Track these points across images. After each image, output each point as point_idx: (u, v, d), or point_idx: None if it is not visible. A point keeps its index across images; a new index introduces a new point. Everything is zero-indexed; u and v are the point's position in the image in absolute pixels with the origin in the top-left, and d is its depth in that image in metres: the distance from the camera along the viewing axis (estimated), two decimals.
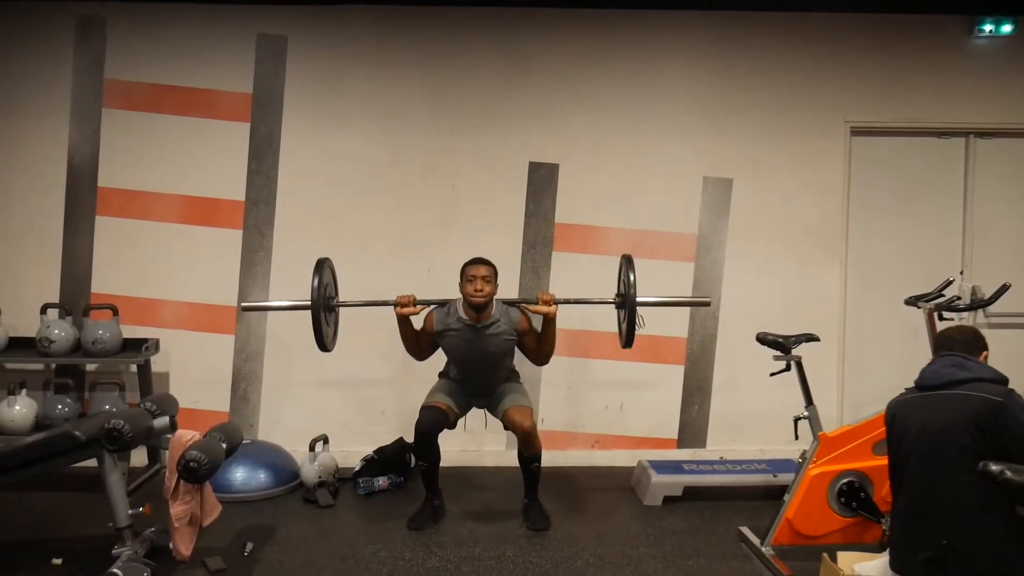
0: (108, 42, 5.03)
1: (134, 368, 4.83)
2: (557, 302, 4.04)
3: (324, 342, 3.99)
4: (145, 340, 4.83)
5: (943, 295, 3.90)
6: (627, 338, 4.09)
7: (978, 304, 4.11)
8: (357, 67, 5.08)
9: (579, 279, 5.13)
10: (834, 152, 5.20)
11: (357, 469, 4.74)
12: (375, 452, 4.83)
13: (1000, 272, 4.93)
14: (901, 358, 4.99)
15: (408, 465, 4.86)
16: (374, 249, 5.10)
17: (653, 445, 5.20)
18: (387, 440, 4.95)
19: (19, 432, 4.53)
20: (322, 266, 3.97)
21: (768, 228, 5.21)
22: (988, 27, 5.11)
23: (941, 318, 3.81)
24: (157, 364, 4.95)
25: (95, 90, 5.04)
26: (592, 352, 5.17)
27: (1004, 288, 3.82)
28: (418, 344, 4.16)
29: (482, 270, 4.02)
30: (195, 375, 5.09)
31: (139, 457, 4.84)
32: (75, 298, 5.01)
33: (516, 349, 4.23)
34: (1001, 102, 5.21)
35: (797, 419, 3.71)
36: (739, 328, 5.05)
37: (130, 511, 3.46)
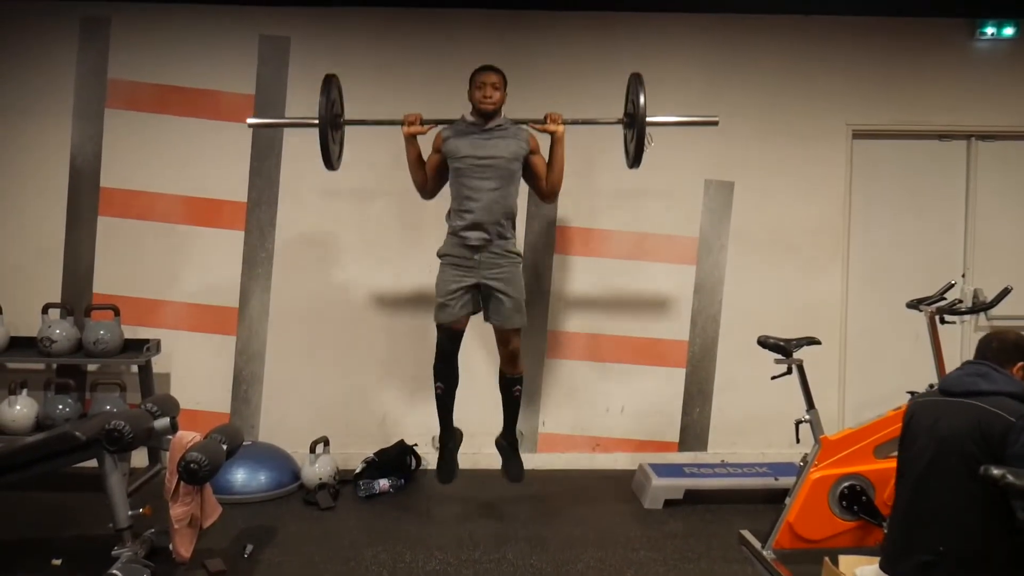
0: (111, 42, 5.03)
1: (135, 369, 4.83)
2: (565, 122, 4.04)
3: (331, 159, 4.05)
4: (146, 341, 4.83)
5: (945, 298, 3.89)
6: (634, 158, 4.09)
7: (980, 307, 4.10)
8: (359, 69, 5.07)
9: (580, 282, 5.13)
10: (836, 155, 5.20)
11: (358, 471, 4.74)
12: (376, 454, 4.83)
13: (1002, 275, 4.91)
14: (903, 361, 4.99)
15: (409, 467, 4.86)
16: (376, 248, 5.10)
17: (654, 448, 5.19)
18: (388, 442, 4.94)
19: (20, 432, 4.53)
20: (329, 83, 3.99)
21: (769, 231, 5.20)
22: (990, 30, 5.11)
23: (943, 321, 3.81)
24: (158, 365, 4.95)
25: (98, 90, 5.04)
26: (594, 355, 5.17)
27: (1006, 291, 3.81)
28: (425, 169, 4.10)
29: (492, 77, 3.97)
30: (196, 376, 5.09)
31: (140, 458, 4.84)
32: (77, 298, 5.01)
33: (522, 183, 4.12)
34: (1003, 105, 5.21)
35: (798, 422, 3.70)
36: (740, 331, 5.04)
37: (130, 512, 3.46)
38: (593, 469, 5.14)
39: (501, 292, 3.99)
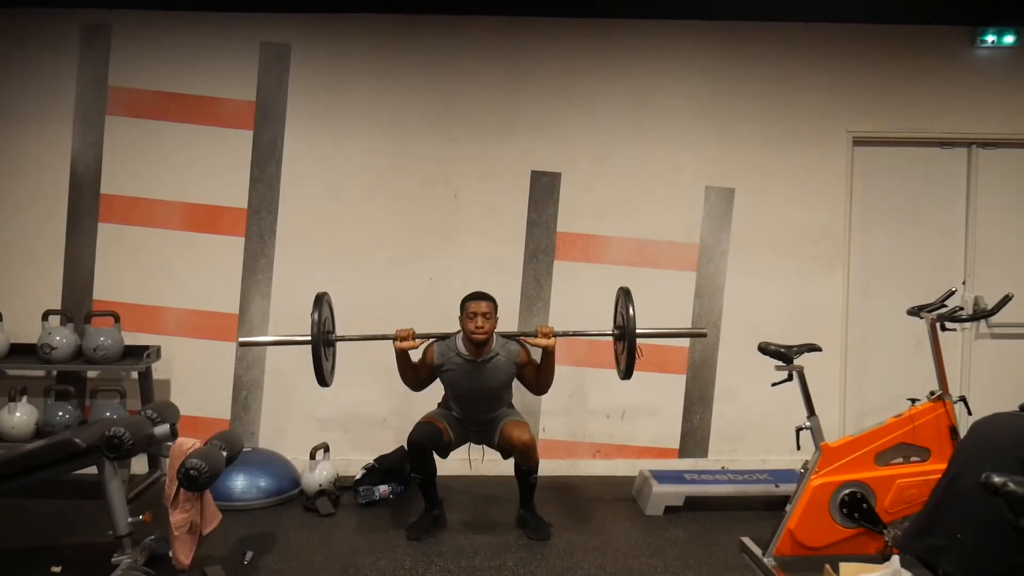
0: (112, 49, 5.04)
1: (135, 375, 4.82)
2: (556, 335, 4.06)
3: (324, 377, 4.01)
4: (146, 347, 4.83)
5: (945, 305, 3.88)
6: (626, 370, 4.14)
7: (981, 315, 4.09)
8: (360, 76, 5.09)
9: (580, 288, 5.13)
10: (836, 162, 5.20)
11: (358, 477, 4.73)
12: (376, 460, 4.82)
13: (1003, 282, 4.93)
14: (904, 368, 4.99)
15: (409, 474, 4.83)
16: (376, 257, 5.10)
17: (655, 455, 5.19)
18: (388, 449, 4.94)
19: (20, 439, 4.53)
20: (320, 301, 3.99)
21: (770, 238, 5.21)
22: (990, 38, 5.12)
23: (944, 328, 3.80)
24: (158, 371, 4.95)
25: (99, 97, 5.05)
26: (594, 361, 5.16)
27: (1007, 299, 3.80)
28: (416, 377, 4.17)
29: (483, 306, 4.04)
30: (196, 382, 5.09)
31: (140, 464, 4.83)
32: (77, 305, 5.01)
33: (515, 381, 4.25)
34: (1003, 112, 5.22)
35: (799, 429, 3.69)
36: (741, 338, 5.05)
37: (130, 519, 3.45)
38: (593, 475, 5.14)
39: (496, 421, 4.20)
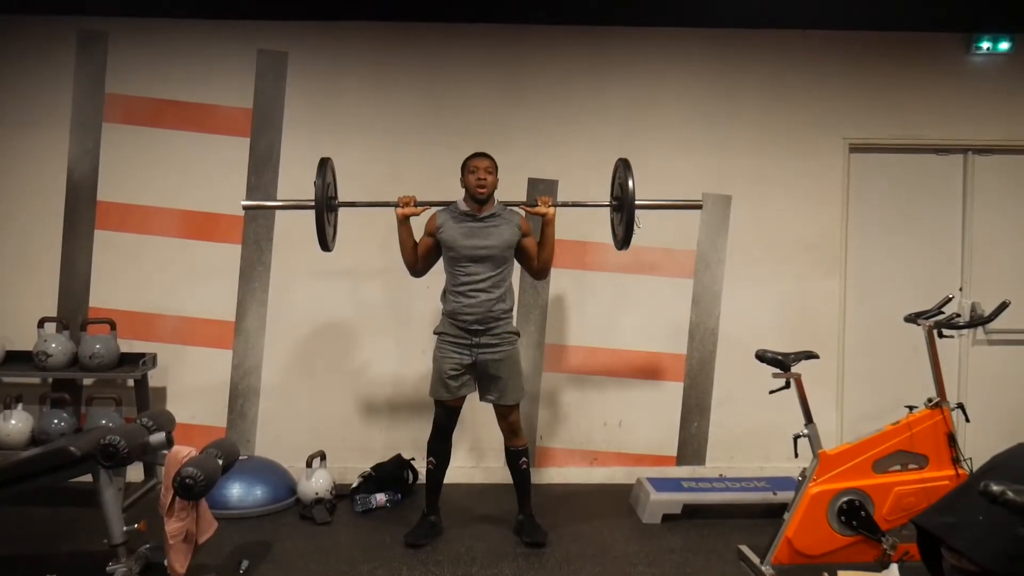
0: (109, 56, 5.04)
1: (131, 383, 4.81)
2: (555, 204, 4.11)
3: (326, 241, 4.09)
4: (142, 355, 4.81)
5: (943, 312, 3.89)
6: (623, 240, 4.15)
7: (978, 321, 4.10)
8: (357, 83, 5.10)
9: (577, 295, 5.13)
10: (833, 169, 5.21)
11: (354, 486, 4.72)
12: (373, 468, 4.81)
13: (999, 289, 4.93)
14: (901, 375, 4.98)
15: (406, 482, 4.84)
16: (373, 264, 5.09)
17: (652, 462, 5.18)
18: (385, 457, 4.93)
19: (15, 447, 4.51)
20: (324, 166, 4.04)
21: (767, 245, 5.21)
22: (986, 44, 5.14)
23: (941, 335, 3.80)
24: (154, 379, 4.94)
25: (96, 104, 5.04)
26: (591, 369, 5.16)
27: (1004, 305, 3.81)
28: (416, 252, 4.13)
29: (484, 162, 4.07)
30: (192, 390, 5.07)
31: (136, 473, 4.82)
32: (73, 312, 5.00)
33: (516, 268, 4.22)
34: (999, 119, 5.23)
35: (797, 437, 3.69)
36: (738, 345, 5.04)
37: (125, 527, 3.44)
38: (590, 483, 5.13)
39: (498, 373, 4.09)
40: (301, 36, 5.06)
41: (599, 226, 5.12)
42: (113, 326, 4.78)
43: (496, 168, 4.13)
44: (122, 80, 5.05)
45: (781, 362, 3.71)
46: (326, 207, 4.02)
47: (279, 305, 5.09)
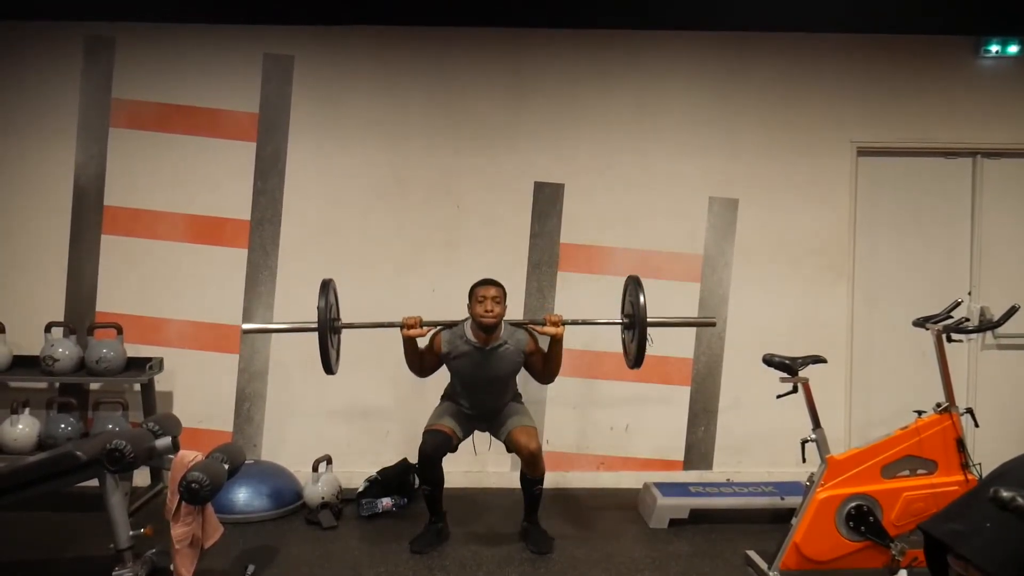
0: (116, 62, 5.06)
1: (138, 387, 4.81)
2: (564, 323, 4.03)
3: (330, 364, 3.99)
4: (149, 359, 4.82)
5: (951, 316, 3.86)
6: (636, 359, 4.06)
7: (987, 326, 4.08)
8: (363, 87, 5.10)
9: (584, 299, 5.12)
10: (840, 172, 5.19)
11: (360, 490, 4.71)
12: (379, 473, 4.80)
13: (1009, 293, 4.90)
14: (909, 380, 4.96)
15: (412, 486, 4.83)
16: (379, 268, 5.09)
17: (659, 467, 5.16)
18: (391, 461, 4.92)
19: (22, 451, 4.52)
20: (327, 287, 3.96)
21: (774, 248, 5.19)
22: (994, 48, 5.11)
23: (950, 340, 3.77)
24: (161, 383, 4.94)
25: (102, 109, 5.06)
26: (598, 372, 5.15)
27: (1013, 310, 3.78)
28: (422, 364, 4.14)
29: (492, 291, 4.02)
30: (199, 394, 5.08)
31: (142, 477, 4.82)
32: (80, 316, 5.01)
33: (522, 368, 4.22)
34: (1008, 122, 5.20)
35: (804, 442, 3.67)
36: (745, 349, 5.02)
37: (131, 532, 3.44)
38: (597, 488, 5.11)
39: (507, 417, 4.18)
40: (307, 40, 5.07)
41: (606, 230, 5.13)
42: (120, 330, 4.79)
43: (504, 295, 4.08)
44: (128, 85, 5.06)
45: (789, 366, 3.69)
46: (329, 329, 3.94)
47: (285, 309, 5.09)
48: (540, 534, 4.19)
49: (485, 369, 4.07)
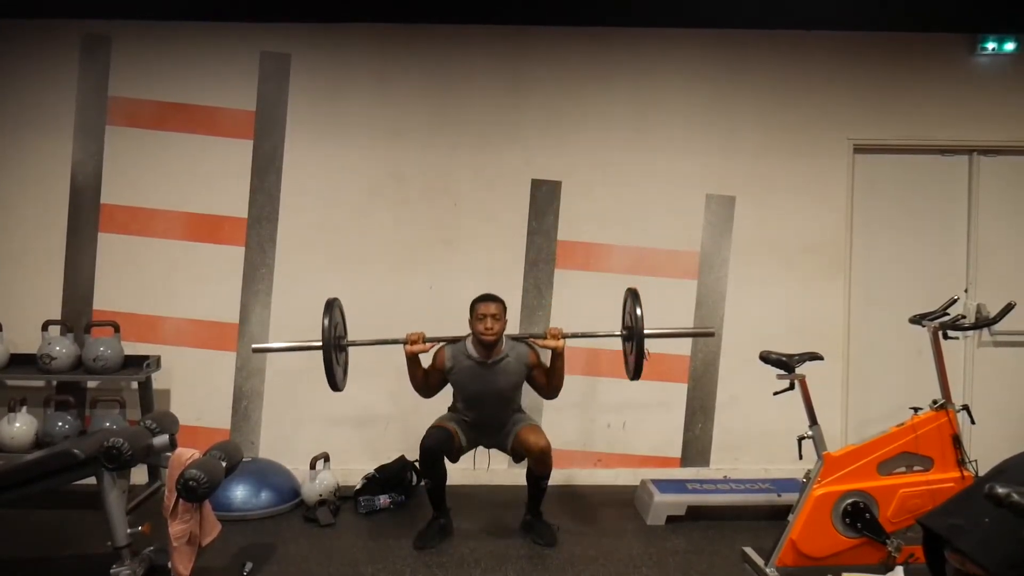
0: (112, 60, 5.05)
1: (135, 385, 4.81)
2: (565, 336, 4.06)
3: (336, 382, 4.04)
4: (146, 357, 4.82)
5: (948, 313, 3.87)
6: (635, 370, 4.12)
7: (983, 323, 4.08)
8: (360, 85, 5.10)
9: (581, 296, 5.12)
10: (837, 170, 5.19)
11: (358, 487, 4.72)
12: (376, 470, 4.81)
13: (1005, 290, 4.90)
14: (906, 377, 4.97)
15: (410, 483, 4.84)
16: (376, 266, 5.10)
17: (656, 464, 5.17)
18: (389, 458, 4.92)
19: (19, 449, 4.52)
20: (331, 307, 4.02)
21: (771, 246, 5.19)
22: (991, 45, 5.11)
23: (946, 337, 3.78)
24: (158, 381, 4.94)
25: (99, 107, 5.05)
26: (595, 370, 5.15)
27: (1010, 307, 3.79)
28: (426, 382, 4.17)
29: (492, 308, 4.05)
30: (196, 392, 5.08)
31: (140, 475, 4.81)
32: (77, 315, 5.00)
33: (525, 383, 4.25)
34: (1004, 120, 5.21)
35: (801, 438, 3.68)
36: (742, 346, 5.03)
37: (129, 530, 3.43)
38: (595, 485, 5.12)
39: (511, 427, 4.20)
40: (304, 38, 5.06)
41: (605, 227, 5.13)
42: (117, 329, 4.79)
43: (505, 310, 4.11)
44: (125, 83, 5.06)
45: (785, 364, 3.69)
46: (334, 347, 4.00)
47: (282, 307, 5.09)
48: (544, 526, 4.21)
49: (488, 383, 4.10)
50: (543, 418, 5.13)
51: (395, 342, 4.10)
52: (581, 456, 5.19)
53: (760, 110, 5.17)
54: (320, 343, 3.92)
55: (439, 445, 4.07)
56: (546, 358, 4.14)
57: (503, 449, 4.28)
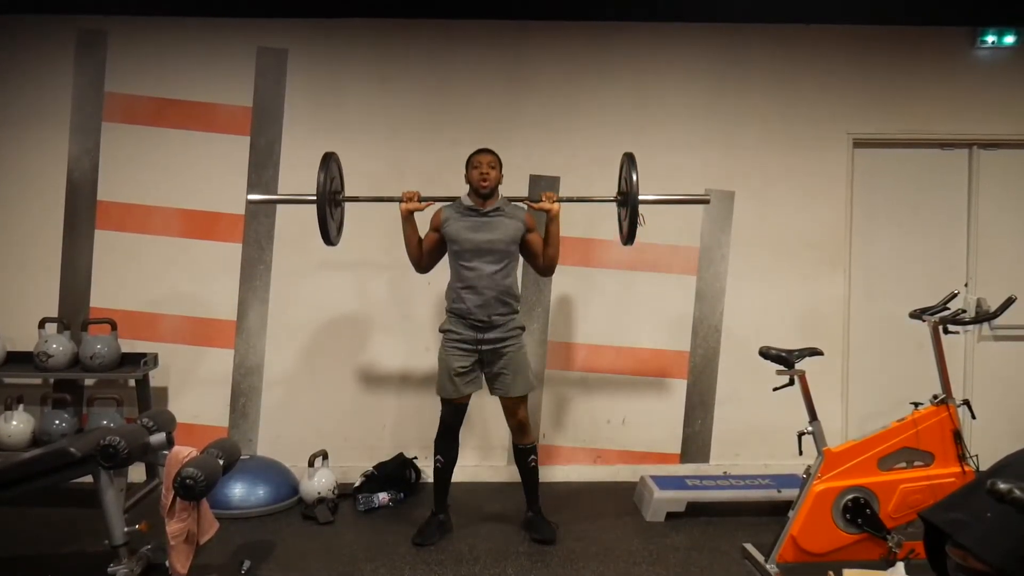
0: (109, 55, 5.03)
1: (132, 383, 4.80)
2: (560, 200, 4.14)
3: (329, 235, 4.10)
4: (144, 354, 4.80)
5: (948, 308, 3.86)
6: (628, 235, 4.15)
7: (983, 317, 4.07)
8: (357, 80, 5.08)
9: (580, 292, 5.10)
10: (837, 164, 5.18)
11: (357, 485, 4.70)
12: (375, 468, 4.80)
13: (1005, 284, 4.89)
14: (906, 372, 4.95)
15: (408, 481, 4.82)
16: (375, 261, 5.07)
17: (656, 460, 5.16)
18: (387, 456, 4.91)
19: (16, 448, 4.50)
20: (328, 160, 4.07)
21: (771, 241, 5.18)
22: (991, 38, 5.10)
23: (946, 331, 3.78)
24: (156, 379, 4.92)
25: (95, 103, 5.03)
26: (594, 366, 5.14)
27: (1010, 301, 3.78)
28: (422, 247, 4.15)
29: (487, 157, 4.10)
30: (194, 390, 5.06)
31: (138, 473, 4.80)
32: (74, 312, 4.99)
33: (521, 269, 4.24)
34: (1004, 113, 5.19)
35: (801, 434, 3.67)
36: (742, 342, 5.02)
37: (126, 528, 3.43)
38: (594, 481, 5.10)
39: (505, 368, 4.08)
40: (301, 33, 5.04)
41: (603, 223, 5.11)
42: (114, 326, 4.77)
43: (500, 164, 4.14)
44: (122, 79, 5.03)
45: (785, 359, 3.68)
46: (330, 201, 4.05)
47: (281, 304, 5.07)
48: (544, 523, 4.20)
49: (483, 232, 4.05)
50: (542, 412, 5.13)
51: (391, 199, 4.16)
52: (581, 452, 5.18)
53: (759, 104, 5.15)
54: (314, 197, 4.00)
55: (458, 421, 4.15)
56: (541, 232, 4.18)
57: (492, 389, 4.13)
